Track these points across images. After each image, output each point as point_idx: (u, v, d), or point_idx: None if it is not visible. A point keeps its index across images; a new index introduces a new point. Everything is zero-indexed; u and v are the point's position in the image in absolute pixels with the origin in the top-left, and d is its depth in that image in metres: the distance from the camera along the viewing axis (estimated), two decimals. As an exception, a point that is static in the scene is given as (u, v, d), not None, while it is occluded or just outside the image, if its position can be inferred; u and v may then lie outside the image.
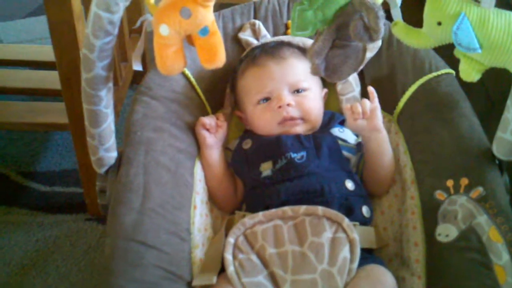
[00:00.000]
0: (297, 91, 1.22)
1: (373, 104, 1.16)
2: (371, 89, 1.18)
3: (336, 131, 1.23)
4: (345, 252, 0.98)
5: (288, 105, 1.19)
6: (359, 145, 1.23)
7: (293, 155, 1.14)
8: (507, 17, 0.76)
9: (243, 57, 1.33)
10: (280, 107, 1.19)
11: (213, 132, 1.20)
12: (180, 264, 1.00)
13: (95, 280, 1.44)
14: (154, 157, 1.09)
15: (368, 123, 1.15)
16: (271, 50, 1.26)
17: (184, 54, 0.93)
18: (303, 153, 1.14)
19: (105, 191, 1.08)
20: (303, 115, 1.21)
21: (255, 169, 1.17)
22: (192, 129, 1.22)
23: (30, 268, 1.48)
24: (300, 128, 1.21)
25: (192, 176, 1.16)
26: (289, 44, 1.30)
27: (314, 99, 1.24)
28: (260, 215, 1.05)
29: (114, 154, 1.06)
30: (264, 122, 1.22)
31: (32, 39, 2.33)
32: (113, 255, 0.94)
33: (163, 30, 0.88)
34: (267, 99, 1.22)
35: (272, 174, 1.14)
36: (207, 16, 0.87)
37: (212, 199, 1.21)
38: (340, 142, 1.20)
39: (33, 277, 1.45)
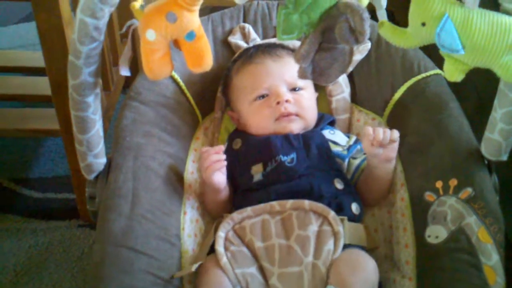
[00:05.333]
0: (294, 89, 1.22)
1: (393, 136, 1.09)
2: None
3: (327, 133, 1.23)
4: (329, 244, 1.00)
5: (286, 101, 1.19)
6: (350, 148, 1.22)
7: (283, 158, 1.14)
8: (490, 17, 0.76)
9: (236, 57, 1.32)
10: (278, 103, 1.19)
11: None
12: (170, 270, 1.00)
13: (88, 287, 1.43)
14: (144, 163, 1.08)
15: (384, 153, 1.11)
16: (267, 49, 1.27)
17: (171, 58, 0.92)
18: (293, 155, 1.14)
19: (95, 197, 1.07)
20: (299, 112, 1.21)
21: (246, 172, 1.17)
22: (182, 134, 1.21)
23: (23, 275, 1.47)
24: (295, 125, 1.20)
25: (182, 182, 1.16)
26: (282, 46, 1.30)
27: (309, 99, 1.25)
28: (249, 209, 1.07)
29: (103, 160, 1.06)
30: (261, 119, 1.21)
31: (24, 44, 2.33)
32: (103, 261, 0.94)
33: (149, 35, 0.88)
34: (263, 96, 1.22)
35: (263, 178, 1.14)
36: (193, 20, 0.87)
37: (206, 209, 1.20)
38: (331, 144, 1.19)
39: (25, 284, 1.45)
